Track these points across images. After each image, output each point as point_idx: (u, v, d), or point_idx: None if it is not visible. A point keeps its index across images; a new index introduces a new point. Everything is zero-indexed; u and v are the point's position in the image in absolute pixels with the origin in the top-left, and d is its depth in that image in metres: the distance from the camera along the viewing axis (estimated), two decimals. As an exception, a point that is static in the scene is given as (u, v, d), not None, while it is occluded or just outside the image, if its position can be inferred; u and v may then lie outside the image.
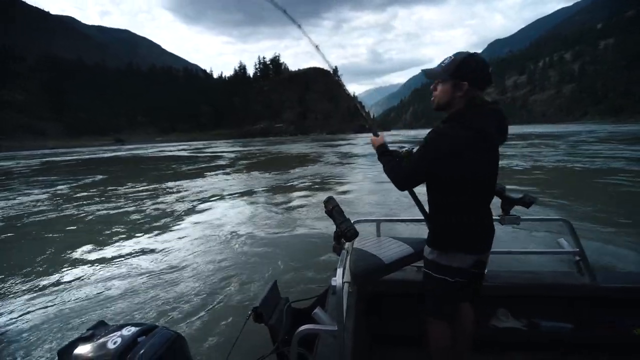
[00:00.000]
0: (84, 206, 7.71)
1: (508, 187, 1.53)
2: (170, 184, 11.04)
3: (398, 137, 50.46)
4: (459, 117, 1.23)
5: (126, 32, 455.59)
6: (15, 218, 6.90)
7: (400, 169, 1.34)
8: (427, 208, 1.43)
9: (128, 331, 0.98)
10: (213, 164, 18.82)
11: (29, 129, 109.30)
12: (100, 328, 1.04)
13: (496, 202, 1.44)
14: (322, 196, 7.77)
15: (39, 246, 4.93)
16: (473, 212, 1.27)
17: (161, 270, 3.82)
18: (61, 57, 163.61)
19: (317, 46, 1.99)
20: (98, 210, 7.25)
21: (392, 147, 1.51)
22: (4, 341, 2.63)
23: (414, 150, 1.35)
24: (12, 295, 3.39)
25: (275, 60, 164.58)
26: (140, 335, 0.96)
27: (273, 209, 6.76)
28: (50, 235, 5.62)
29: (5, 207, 7.99)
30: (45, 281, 3.69)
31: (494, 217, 1.38)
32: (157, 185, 10.69)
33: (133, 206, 7.55)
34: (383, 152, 1.47)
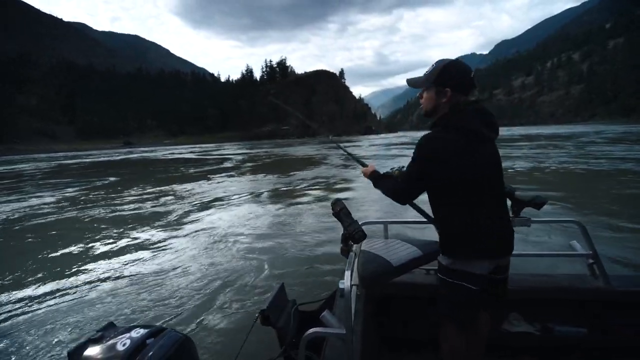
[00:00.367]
0: (97, 207, 7.85)
1: (517, 188, 1.50)
2: (179, 186, 11.16)
3: (404, 139, 50.19)
4: (445, 121, 1.26)
5: (135, 38, 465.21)
6: (30, 216, 7.08)
7: (397, 185, 1.38)
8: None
9: (137, 333, 0.99)
10: (221, 166, 18.97)
11: (42, 133, 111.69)
12: (109, 330, 1.06)
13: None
14: (329, 197, 7.77)
15: (58, 244, 5.04)
16: (482, 214, 1.23)
17: (169, 272, 3.85)
18: (73, 62, 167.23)
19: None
20: (112, 212, 7.38)
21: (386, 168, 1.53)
22: (13, 342, 2.66)
23: (404, 168, 1.39)
24: (23, 295, 3.45)
25: (281, 64, 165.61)
26: (149, 337, 0.97)
27: (280, 211, 6.77)
28: (66, 233, 5.82)
29: (24, 207, 8.20)
30: (53, 282, 3.75)
31: None
32: (168, 188, 10.81)
33: (144, 208, 7.65)
34: (376, 178, 1.51)
